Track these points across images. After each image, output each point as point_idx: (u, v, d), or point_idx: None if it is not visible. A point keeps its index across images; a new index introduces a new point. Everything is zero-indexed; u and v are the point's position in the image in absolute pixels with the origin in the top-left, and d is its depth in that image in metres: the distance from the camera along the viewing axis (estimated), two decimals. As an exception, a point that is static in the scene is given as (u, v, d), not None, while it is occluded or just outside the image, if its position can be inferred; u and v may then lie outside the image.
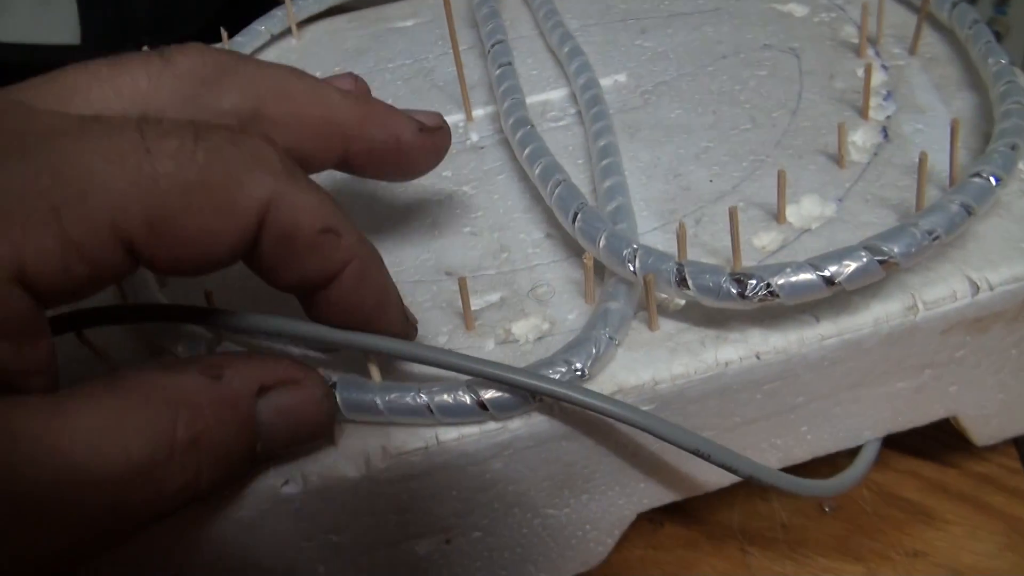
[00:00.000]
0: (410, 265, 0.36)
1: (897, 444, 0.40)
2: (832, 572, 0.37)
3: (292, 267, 0.25)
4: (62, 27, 0.58)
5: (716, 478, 0.33)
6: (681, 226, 0.31)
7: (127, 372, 0.24)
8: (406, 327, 0.29)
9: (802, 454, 0.34)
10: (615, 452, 0.31)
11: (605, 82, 0.43)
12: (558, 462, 0.31)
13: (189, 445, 0.23)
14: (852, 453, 0.35)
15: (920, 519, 0.38)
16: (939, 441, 0.39)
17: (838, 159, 0.37)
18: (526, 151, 0.37)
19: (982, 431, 0.37)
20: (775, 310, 0.31)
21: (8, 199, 0.21)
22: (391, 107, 0.31)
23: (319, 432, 0.28)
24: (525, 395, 0.29)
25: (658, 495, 0.33)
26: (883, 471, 0.40)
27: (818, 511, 0.38)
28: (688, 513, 0.38)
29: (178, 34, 0.60)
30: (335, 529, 0.31)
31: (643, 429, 0.28)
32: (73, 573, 0.23)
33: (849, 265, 0.29)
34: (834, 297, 0.30)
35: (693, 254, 0.33)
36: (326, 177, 0.35)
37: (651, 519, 0.35)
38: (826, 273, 0.29)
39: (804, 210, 0.35)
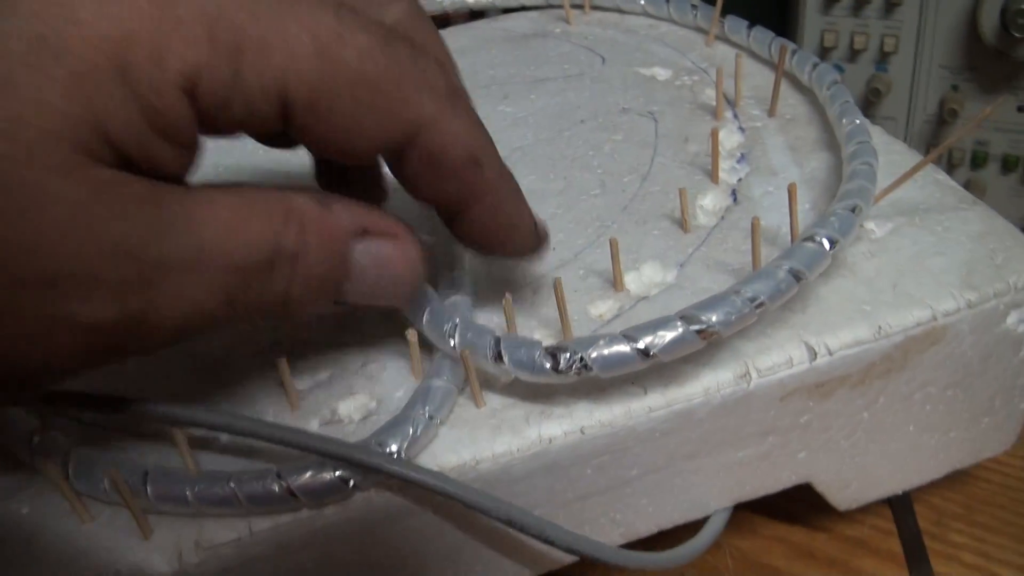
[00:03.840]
0: (242, 339, 0.35)
1: (765, 509, 0.40)
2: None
3: (431, 187, 0.28)
4: None
5: (551, 557, 0.32)
6: (507, 300, 0.30)
7: (250, 185, 0.25)
8: (536, 244, 0.31)
9: (646, 528, 0.33)
10: (441, 535, 0.30)
11: (462, 149, 0.42)
12: (382, 547, 0.30)
13: (291, 257, 0.25)
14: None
15: (784, 587, 0.38)
16: (811, 504, 0.38)
17: (682, 224, 0.36)
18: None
19: (841, 496, 0.36)
20: (602, 382, 0.30)
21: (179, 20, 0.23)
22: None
23: (402, 293, 0.28)
24: (336, 481, 0.28)
25: (494, 577, 0.32)
26: (749, 537, 0.39)
27: (677, 582, 0.38)
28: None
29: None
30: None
31: (448, 496, 0.27)
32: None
33: (664, 336, 0.28)
34: (662, 367, 0.30)
35: (528, 326, 0.33)
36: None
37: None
38: (640, 345, 0.28)
39: (645, 277, 0.34)
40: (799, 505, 0.39)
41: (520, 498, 0.30)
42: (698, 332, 0.28)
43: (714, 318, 0.29)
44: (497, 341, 0.29)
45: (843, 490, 0.36)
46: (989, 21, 0.53)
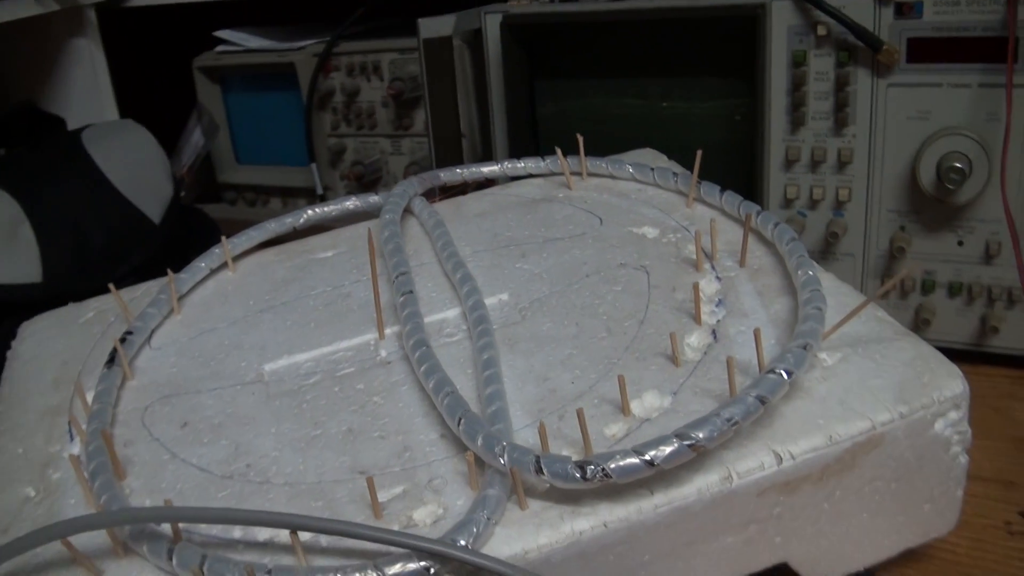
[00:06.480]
0: (330, 467, 0.43)
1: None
2: None
3: None
4: (24, 267, 0.66)
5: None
6: (542, 426, 0.40)
7: None
8: None
9: (657, 603, 0.42)
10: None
11: (491, 301, 0.52)
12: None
13: None
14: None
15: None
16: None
17: (673, 360, 0.46)
18: (423, 368, 0.46)
19: (813, 573, 0.44)
20: (618, 487, 0.39)
21: None
22: None
23: None
24: (420, 570, 0.36)
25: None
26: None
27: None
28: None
29: (128, 268, 0.69)
30: None
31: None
32: None
33: (664, 449, 0.37)
34: (664, 474, 0.39)
35: (557, 445, 0.42)
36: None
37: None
38: (647, 457, 0.37)
39: (646, 403, 0.44)
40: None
41: (558, 581, 0.39)
42: (689, 446, 0.37)
43: (701, 435, 0.38)
44: (538, 459, 0.38)
45: (814, 568, 0.44)
46: (927, 175, 0.64)
